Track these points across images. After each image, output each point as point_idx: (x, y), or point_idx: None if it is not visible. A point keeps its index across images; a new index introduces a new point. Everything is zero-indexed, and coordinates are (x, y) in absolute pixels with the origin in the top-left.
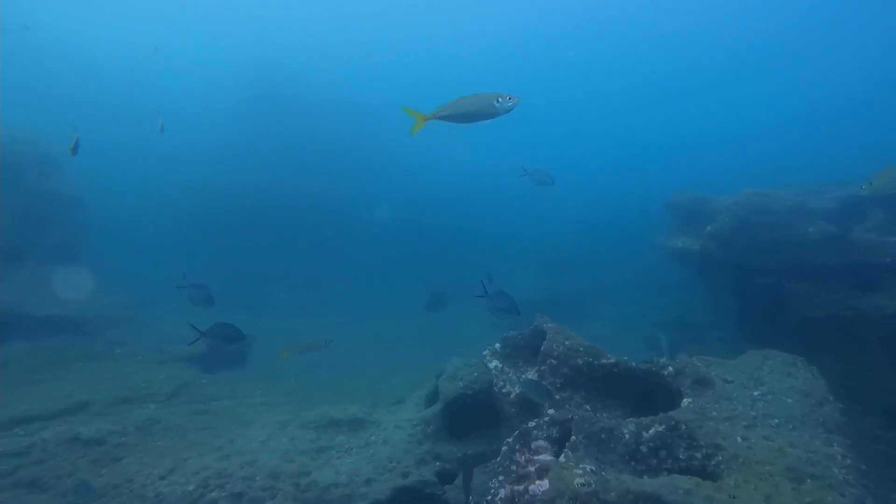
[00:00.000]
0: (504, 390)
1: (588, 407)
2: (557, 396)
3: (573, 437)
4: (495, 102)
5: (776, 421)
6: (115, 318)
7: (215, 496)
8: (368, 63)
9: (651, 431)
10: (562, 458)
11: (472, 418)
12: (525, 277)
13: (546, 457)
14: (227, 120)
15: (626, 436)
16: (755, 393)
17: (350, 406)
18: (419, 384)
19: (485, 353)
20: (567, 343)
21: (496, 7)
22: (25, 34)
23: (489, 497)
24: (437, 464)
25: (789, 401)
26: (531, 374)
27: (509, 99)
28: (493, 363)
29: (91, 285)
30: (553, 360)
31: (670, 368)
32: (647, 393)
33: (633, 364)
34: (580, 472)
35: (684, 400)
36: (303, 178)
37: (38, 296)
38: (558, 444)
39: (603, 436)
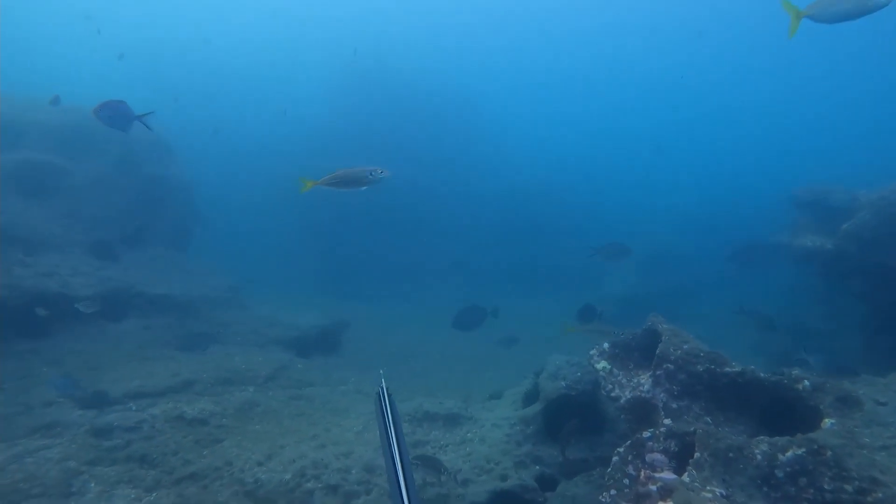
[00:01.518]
0: (613, 394)
1: (708, 419)
2: (674, 405)
3: (697, 454)
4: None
5: None
6: (218, 299)
7: (311, 487)
8: (474, 54)
9: (788, 454)
10: (686, 478)
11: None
12: (621, 273)
13: (669, 475)
14: (330, 110)
15: (758, 457)
16: None
17: (445, 400)
18: (513, 380)
19: (592, 352)
20: (685, 347)
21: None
22: (207, 46)
23: None
24: (537, 468)
25: None
26: (645, 380)
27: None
28: (601, 364)
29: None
30: (669, 365)
31: (806, 383)
32: (775, 408)
33: (762, 375)
34: (709, 495)
35: (826, 421)
36: (403, 169)
37: (152, 276)
38: (677, 460)
39: (731, 454)
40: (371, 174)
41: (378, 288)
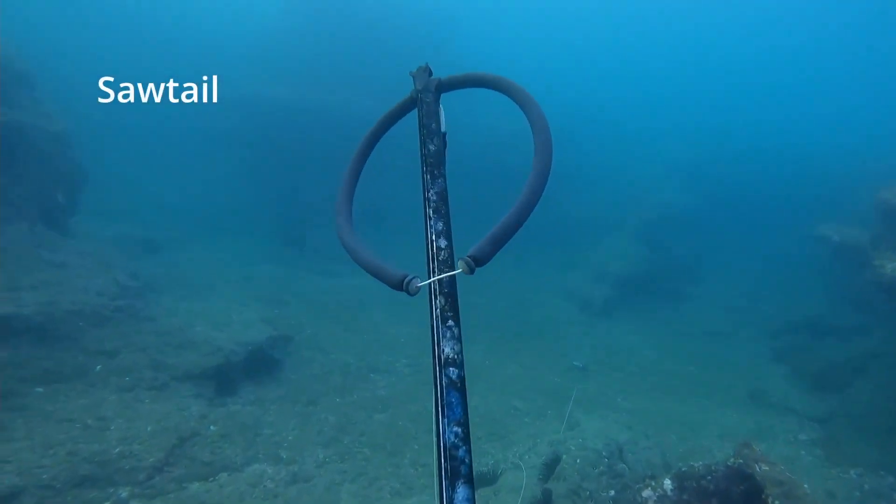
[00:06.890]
0: None
1: None
2: None
3: None
4: None
5: None
6: (103, 312)
7: None
8: None
9: None
10: None
11: None
12: (616, 242)
13: None
14: (265, 27)
15: None
16: None
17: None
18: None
19: (645, 493)
20: None
21: None
22: None
23: None
24: None
25: None
26: None
27: None
28: None
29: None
30: None
31: None
32: None
33: None
34: None
35: None
36: (354, 103)
37: None
38: None
39: None
40: None
41: (327, 250)
